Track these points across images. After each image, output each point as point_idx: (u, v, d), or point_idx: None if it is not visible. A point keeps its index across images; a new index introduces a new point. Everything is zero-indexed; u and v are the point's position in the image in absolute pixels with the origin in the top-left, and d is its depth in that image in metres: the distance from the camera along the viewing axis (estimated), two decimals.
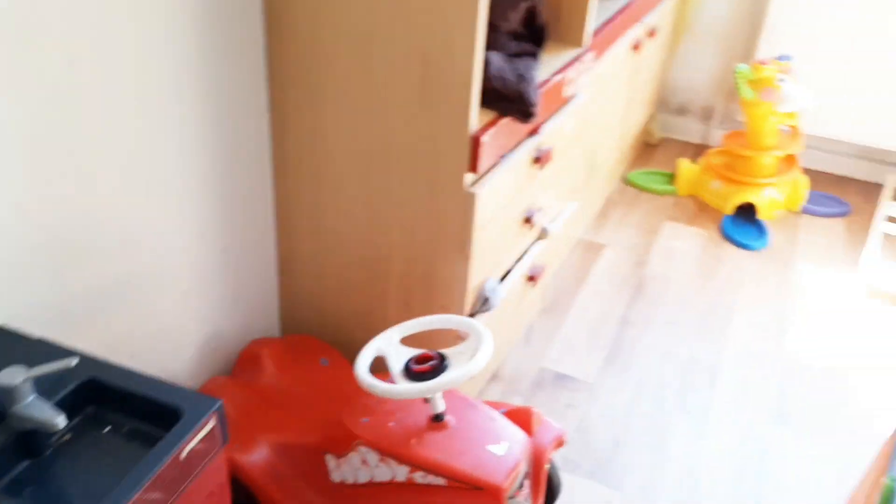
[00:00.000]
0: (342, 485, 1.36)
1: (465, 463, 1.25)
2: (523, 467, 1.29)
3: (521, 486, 1.29)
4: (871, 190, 2.81)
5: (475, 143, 1.32)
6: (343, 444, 1.33)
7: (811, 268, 2.35)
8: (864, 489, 1.27)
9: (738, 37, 2.85)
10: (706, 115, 3.04)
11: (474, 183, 1.39)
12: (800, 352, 1.98)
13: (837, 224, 2.60)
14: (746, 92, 2.46)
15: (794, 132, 2.61)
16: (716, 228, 2.53)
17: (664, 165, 2.87)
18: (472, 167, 1.35)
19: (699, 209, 2.64)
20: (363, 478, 1.32)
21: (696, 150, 2.99)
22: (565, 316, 2.05)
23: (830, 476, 1.64)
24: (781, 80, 2.45)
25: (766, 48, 2.75)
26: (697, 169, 2.69)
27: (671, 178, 2.76)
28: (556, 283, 2.17)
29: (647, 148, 3.01)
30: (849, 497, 1.42)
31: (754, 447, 1.70)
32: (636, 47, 2.26)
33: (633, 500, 1.56)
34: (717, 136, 3.01)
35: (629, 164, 2.84)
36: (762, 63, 2.49)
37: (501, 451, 1.28)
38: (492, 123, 1.37)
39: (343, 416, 1.34)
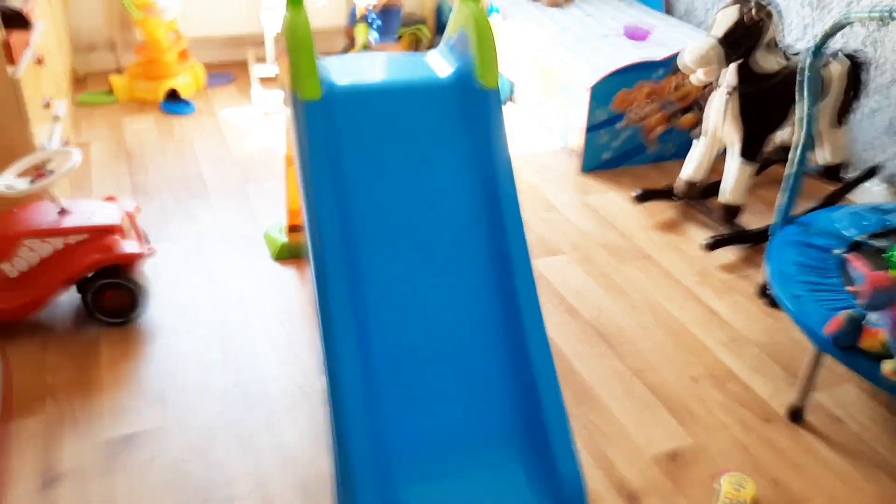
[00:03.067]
0: (21, 275, 2.11)
1: (94, 221, 2.15)
2: (126, 218, 2.24)
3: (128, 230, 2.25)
4: (244, 63, 4.16)
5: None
6: (9, 249, 2.08)
7: (229, 113, 3.58)
8: None
9: None
10: (111, 45, 3.99)
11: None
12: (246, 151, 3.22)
13: (230, 88, 3.88)
14: (136, 14, 3.50)
15: (177, 35, 3.75)
16: (159, 111, 3.58)
17: (100, 87, 3.77)
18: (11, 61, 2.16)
19: (140, 105, 3.64)
20: (34, 260, 2.11)
21: (116, 72, 3.94)
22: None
23: None
24: None
25: None
26: (126, 79, 3.66)
27: (109, 92, 3.69)
28: None
29: (80, 82, 3.86)
30: None
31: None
32: None
33: None
34: (126, 58, 3.99)
35: (73, 94, 3.66)
36: None
37: (111, 214, 2.21)
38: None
39: (3, 230, 2.09)
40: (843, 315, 1.76)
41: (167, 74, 3.65)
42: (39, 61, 2.43)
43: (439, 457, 1.70)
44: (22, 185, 2.08)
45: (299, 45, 1.75)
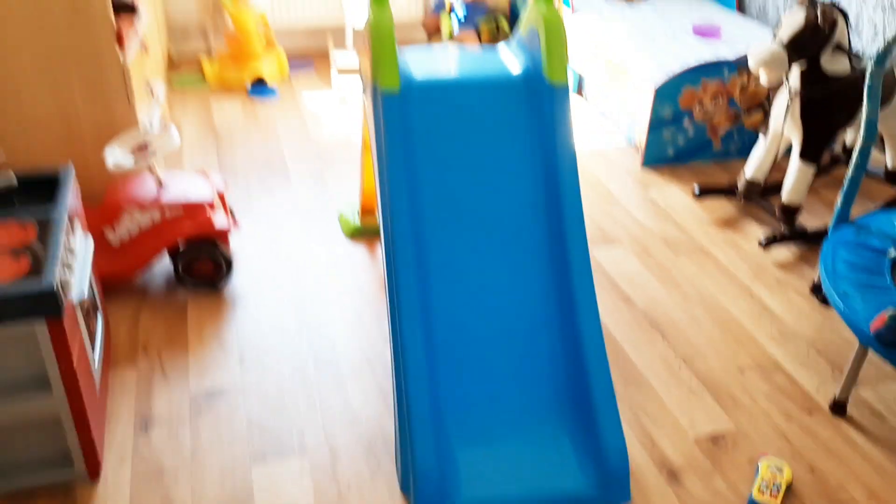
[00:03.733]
0: (122, 243, 2.34)
1: (189, 197, 2.36)
2: (216, 194, 2.45)
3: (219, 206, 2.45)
4: (324, 52, 4.36)
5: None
6: (113, 216, 2.31)
7: (310, 99, 3.78)
8: None
9: None
10: (203, 32, 4.24)
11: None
12: (321, 135, 3.41)
13: (311, 75, 4.08)
14: (228, 3, 3.72)
15: (265, 24, 3.97)
16: (245, 96, 3.80)
17: (192, 71, 4.01)
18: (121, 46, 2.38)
19: (228, 90, 3.87)
20: (135, 229, 2.33)
21: (207, 57, 4.19)
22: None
23: None
24: None
25: None
26: (217, 64, 3.90)
27: (202, 76, 3.93)
28: None
29: (173, 65, 4.12)
30: None
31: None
32: None
33: None
34: (216, 44, 4.24)
35: (167, 77, 3.92)
36: None
37: (203, 190, 2.41)
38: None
39: (110, 200, 2.31)
40: (888, 312, 1.83)
41: (254, 61, 3.87)
42: (144, 47, 2.66)
43: (493, 423, 1.85)
44: (127, 161, 2.30)
45: (382, 42, 1.90)
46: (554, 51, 1.96)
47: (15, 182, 1.82)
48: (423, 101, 1.96)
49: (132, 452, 1.87)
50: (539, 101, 1.99)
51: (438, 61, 2.16)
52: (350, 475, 1.83)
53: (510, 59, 2.13)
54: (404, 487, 1.80)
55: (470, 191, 1.96)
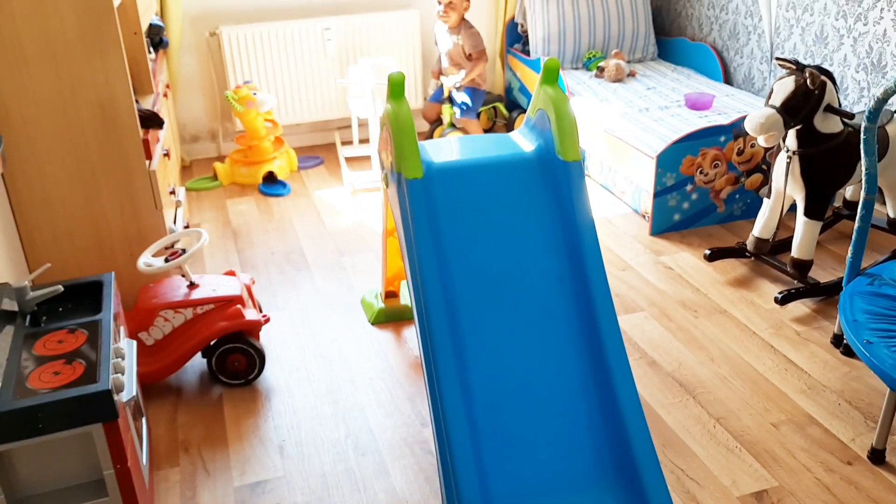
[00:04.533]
0: (157, 343, 2.39)
1: (219, 293, 2.42)
2: (245, 290, 2.52)
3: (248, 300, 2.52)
4: (331, 146, 4.51)
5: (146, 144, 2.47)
6: (147, 320, 2.37)
7: (322, 192, 3.90)
8: None
9: (210, 77, 4.26)
10: (213, 135, 4.40)
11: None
12: (347, 227, 3.51)
13: (321, 170, 4.22)
14: (238, 107, 3.88)
15: (273, 124, 4.13)
16: (258, 193, 3.92)
17: (204, 173, 4.15)
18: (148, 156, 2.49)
19: (241, 188, 3.99)
20: (168, 329, 2.39)
21: (218, 159, 4.33)
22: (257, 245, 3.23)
23: None
24: (255, 93, 3.93)
25: (232, 79, 4.21)
26: (228, 165, 4.04)
27: (214, 177, 4.06)
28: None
29: (186, 169, 4.25)
30: None
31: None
32: (165, 95, 3.50)
33: None
34: (225, 146, 4.39)
35: (182, 180, 4.05)
36: (238, 87, 3.93)
37: (232, 286, 2.48)
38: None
39: (142, 304, 2.38)
40: None
41: (265, 159, 4.00)
42: (167, 154, 2.78)
43: (539, 496, 1.86)
44: (159, 262, 2.38)
45: (403, 131, 2.01)
46: (565, 130, 2.07)
47: (61, 290, 1.89)
48: (446, 184, 2.05)
49: None
50: (554, 177, 2.09)
51: (455, 148, 2.27)
52: None
53: (522, 141, 2.24)
54: None
55: (497, 265, 2.03)
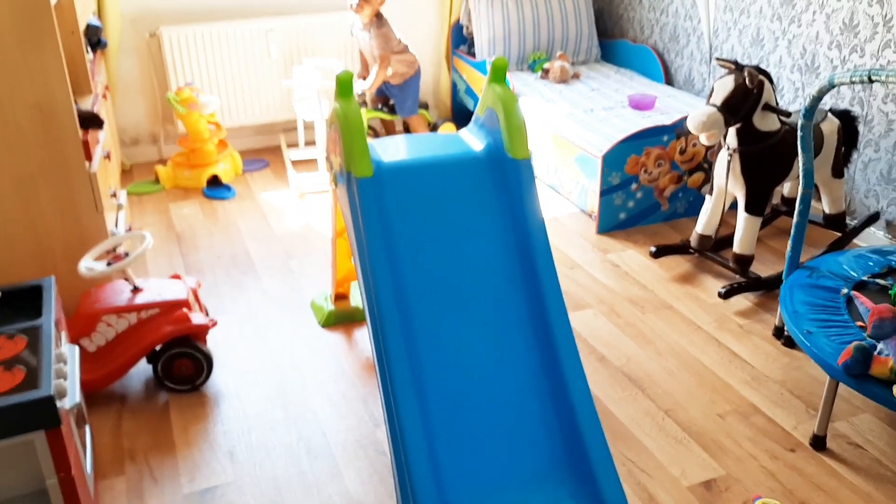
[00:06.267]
0: (100, 349, 2.32)
1: (165, 297, 2.37)
2: (191, 294, 2.46)
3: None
4: (276, 148, 4.46)
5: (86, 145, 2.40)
6: (89, 326, 2.30)
7: (268, 195, 3.85)
8: None
9: (151, 79, 4.17)
10: (154, 138, 4.31)
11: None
12: (301, 227, 3.47)
13: (266, 173, 4.16)
14: (180, 109, 3.81)
15: (217, 126, 4.06)
16: (202, 197, 3.85)
17: (145, 177, 4.06)
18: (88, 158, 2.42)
19: (184, 192, 3.91)
20: (112, 335, 2.32)
21: (160, 163, 4.24)
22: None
23: None
24: (197, 95, 3.85)
25: (174, 81, 4.12)
26: (170, 169, 3.95)
27: (156, 181, 3.97)
28: None
29: (126, 173, 4.15)
30: None
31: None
32: (104, 96, 3.40)
33: None
34: (167, 149, 4.30)
35: (122, 185, 3.94)
36: (181, 89, 3.86)
37: (178, 290, 2.43)
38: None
39: (84, 309, 2.31)
40: (852, 346, 1.94)
41: (208, 162, 3.93)
42: (108, 156, 2.70)
43: (494, 491, 1.87)
44: (101, 266, 2.31)
45: (352, 130, 2.00)
46: (514, 128, 2.09)
47: (0, 295, 1.82)
48: (396, 183, 2.05)
49: None
50: (504, 175, 2.10)
51: (405, 147, 2.26)
52: None
53: (471, 139, 2.25)
54: None
55: (448, 263, 2.03)
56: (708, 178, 2.97)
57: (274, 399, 2.38)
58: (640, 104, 3.72)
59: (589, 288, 2.97)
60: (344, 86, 2.05)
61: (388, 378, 1.85)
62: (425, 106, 4.60)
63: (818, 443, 2.13)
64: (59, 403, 1.55)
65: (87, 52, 3.09)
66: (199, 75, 4.15)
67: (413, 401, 1.84)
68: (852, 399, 2.29)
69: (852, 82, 2.08)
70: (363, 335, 2.70)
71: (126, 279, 2.40)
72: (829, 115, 2.93)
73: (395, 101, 4.13)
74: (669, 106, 3.75)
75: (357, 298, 2.81)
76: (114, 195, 2.82)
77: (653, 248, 3.15)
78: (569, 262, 3.17)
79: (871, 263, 2.42)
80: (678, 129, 3.32)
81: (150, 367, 2.43)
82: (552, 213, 3.60)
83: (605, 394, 2.37)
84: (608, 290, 2.95)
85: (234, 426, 2.27)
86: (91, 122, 2.47)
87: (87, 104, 2.71)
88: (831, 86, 2.16)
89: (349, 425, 2.26)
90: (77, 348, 1.89)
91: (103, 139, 2.72)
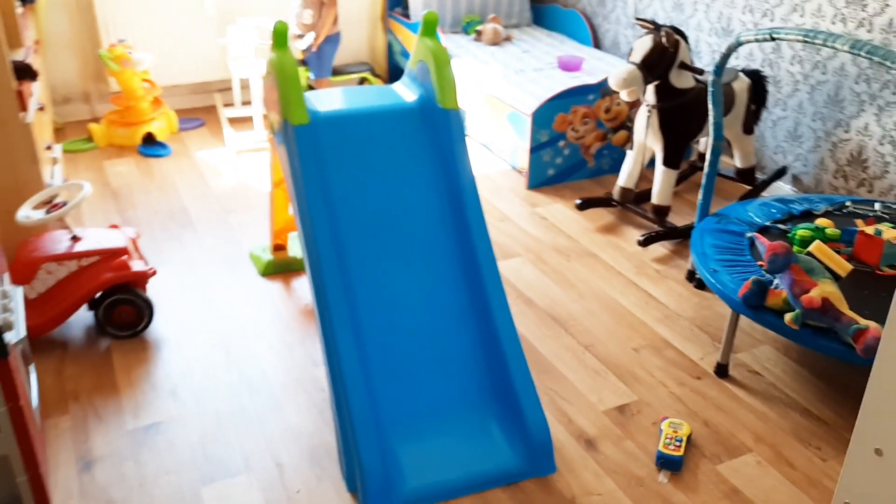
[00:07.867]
0: (40, 296, 2.37)
1: (105, 244, 2.42)
2: (130, 243, 2.52)
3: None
4: (212, 108, 4.47)
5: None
6: (29, 273, 2.34)
7: (204, 153, 3.88)
8: None
9: (81, 35, 4.12)
10: (86, 96, 4.27)
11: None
12: (236, 184, 3.52)
13: (202, 131, 4.18)
14: (113, 66, 3.79)
15: (151, 84, 4.05)
16: (137, 155, 3.85)
17: (78, 136, 4.03)
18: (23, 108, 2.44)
19: (119, 150, 3.91)
20: (52, 282, 2.36)
21: (92, 121, 4.21)
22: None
23: None
24: (130, 52, 3.84)
25: (106, 38, 4.09)
26: (104, 127, 3.94)
27: (89, 139, 3.96)
28: None
29: (59, 131, 4.11)
30: None
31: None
32: (35, 51, 3.37)
33: None
34: (100, 108, 4.27)
35: (56, 143, 3.92)
36: (113, 46, 3.84)
37: (117, 239, 2.48)
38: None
39: (22, 257, 2.34)
40: (751, 280, 2.14)
41: (143, 120, 3.93)
42: (42, 108, 2.71)
43: (427, 419, 2.01)
44: (39, 214, 2.35)
45: (288, 78, 2.08)
46: (444, 80, 2.20)
47: None
48: (331, 131, 2.15)
49: (78, 491, 1.91)
50: (435, 125, 2.22)
51: (340, 98, 2.35)
52: (298, 483, 1.94)
53: (404, 91, 2.35)
54: (351, 487, 1.93)
55: (383, 208, 2.14)
56: (631, 137, 3.14)
57: (216, 344, 2.47)
58: (568, 65, 3.87)
59: (518, 238, 3.12)
60: (279, 36, 2.13)
61: (328, 315, 1.96)
62: (372, 70, 4.65)
63: (721, 370, 2.33)
64: (6, 336, 1.61)
65: (18, 5, 3.07)
66: (132, 32, 4.12)
67: (350, 336, 1.96)
68: (754, 333, 2.51)
69: (757, 40, 2.26)
70: (301, 283, 2.80)
71: (65, 227, 2.44)
72: (741, 74, 3.13)
73: (310, 63, 4.05)
74: (596, 67, 3.91)
75: (295, 249, 2.90)
76: (48, 148, 2.83)
77: (578, 201, 3.31)
78: (499, 214, 3.31)
79: (773, 210, 2.63)
80: (603, 89, 3.49)
81: (90, 315, 2.49)
82: (485, 170, 3.73)
83: (531, 332, 2.53)
84: (536, 240, 3.11)
85: (176, 368, 2.35)
86: (25, 73, 2.48)
87: (19, 57, 2.71)
88: (738, 44, 2.33)
89: (289, 365, 2.37)
90: (21, 289, 1.94)
91: (37, 92, 2.73)
